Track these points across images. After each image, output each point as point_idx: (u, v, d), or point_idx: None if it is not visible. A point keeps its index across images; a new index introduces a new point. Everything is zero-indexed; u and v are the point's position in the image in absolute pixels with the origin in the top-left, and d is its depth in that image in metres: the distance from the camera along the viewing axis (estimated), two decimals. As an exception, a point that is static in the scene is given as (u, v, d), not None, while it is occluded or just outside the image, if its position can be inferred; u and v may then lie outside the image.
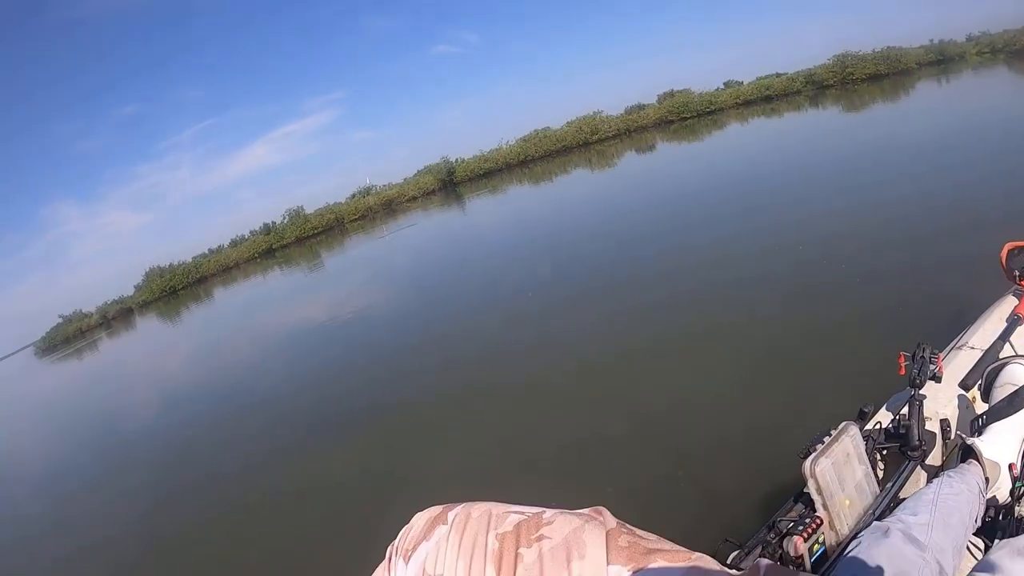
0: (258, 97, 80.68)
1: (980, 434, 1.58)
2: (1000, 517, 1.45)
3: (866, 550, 1.17)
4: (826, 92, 28.71)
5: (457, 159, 39.20)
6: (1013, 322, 2.21)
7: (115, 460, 7.55)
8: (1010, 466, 1.51)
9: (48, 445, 10.38)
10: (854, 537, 1.39)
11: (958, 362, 2.10)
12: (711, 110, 33.32)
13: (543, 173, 28.82)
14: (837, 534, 1.44)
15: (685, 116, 33.68)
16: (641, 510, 2.74)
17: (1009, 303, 2.44)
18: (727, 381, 4.01)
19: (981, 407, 1.81)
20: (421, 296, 10.22)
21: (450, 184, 37.40)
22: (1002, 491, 1.49)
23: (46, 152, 76.01)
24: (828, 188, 9.15)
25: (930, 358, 1.75)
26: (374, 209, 37.95)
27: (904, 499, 1.58)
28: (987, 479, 1.47)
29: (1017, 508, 1.49)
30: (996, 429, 1.57)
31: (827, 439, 1.49)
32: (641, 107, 36.94)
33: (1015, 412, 1.55)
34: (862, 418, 1.77)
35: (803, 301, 5.00)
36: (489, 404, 4.90)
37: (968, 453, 1.52)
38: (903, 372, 1.78)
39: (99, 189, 73.88)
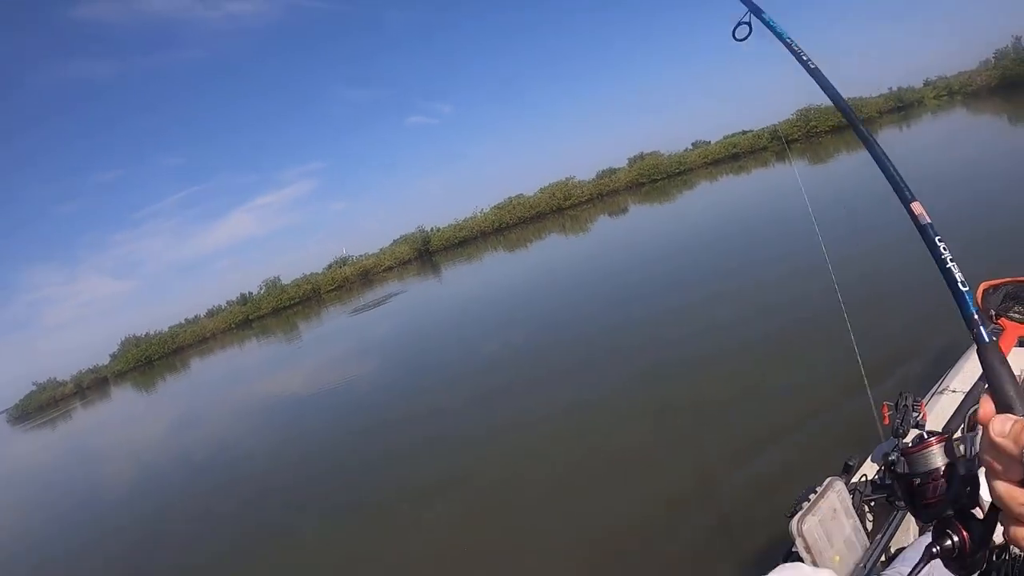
0: (236, 167, 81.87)
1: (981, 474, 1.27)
2: (993, 558, 1.28)
3: None
4: (791, 146, 29.15)
5: (432, 228, 39.39)
6: None
7: (82, 539, 7.03)
8: None
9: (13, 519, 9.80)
10: None
11: (941, 407, 2.10)
12: (681, 170, 33.82)
13: (518, 240, 28.60)
14: None
15: (656, 178, 34.09)
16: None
17: None
18: (709, 442, 3.87)
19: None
20: (407, 366, 9.84)
21: (426, 253, 37.24)
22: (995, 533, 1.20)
23: (24, 214, 75.50)
24: (798, 240, 8.78)
25: (913, 406, 1.75)
26: (351, 279, 37.62)
27: (896, 550, 1.61)
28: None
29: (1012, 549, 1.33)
30: None
31: (812, 496, 1.50)
32: (612, 171, 37.51)
33: None
34: (847, 471, 1.79)
35: (783, 358, 4.89)
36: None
37: None
38: (887, 422, 1.76)
39: (76, 254, 73.31)
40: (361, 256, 41.37)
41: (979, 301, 2.38)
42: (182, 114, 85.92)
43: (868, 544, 1.60)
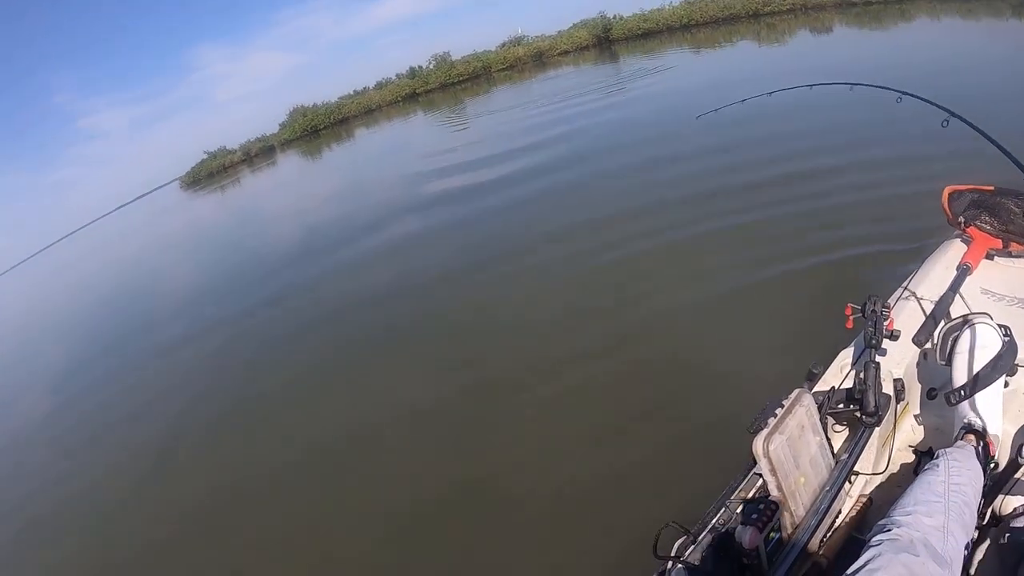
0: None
1: (970, 405, 1.50)
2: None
3: (889, 568, 1.06)
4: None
5: (615, 16, 38.14)
6: (962, 272, 2.08)
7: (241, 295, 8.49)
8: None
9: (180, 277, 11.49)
10: (851, 543, 1.40)
11: (907, 315, 1.98)
12: (901, -4, 30.42)
13: (706, 40, 28.24)
14: (792, 515, 1.37)
15: (871, 0, 31.06)
16: (577, 494, 2.81)
17: (955, 249, 2.32)
18: (674, 336, 3.80)
19: (937, 367, 1.66)
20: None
21: (605, 41, 36.96)
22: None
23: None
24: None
25: (882, 313, 1.66)
26: (523, 60, 38.39)
27: (870, 473, 1.62)
28: (993, 457, 1.43)
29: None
30: (986, 399, 1.48)
31: (779, 411, 1.36)
32: (824, -18, 34.05)
33: (996, 379, 1.45)
34: (811, 379, 1.67)
35: (735, 252, 4.78)
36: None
37: (969, 430, 1.46)
38: (850, 325, 1.71)
39: (244, 33, 74.74)
40: (537, 37, 41.51)
41: (945, 206, 2.39)
42: None
43: (833, 464, 1.50)
